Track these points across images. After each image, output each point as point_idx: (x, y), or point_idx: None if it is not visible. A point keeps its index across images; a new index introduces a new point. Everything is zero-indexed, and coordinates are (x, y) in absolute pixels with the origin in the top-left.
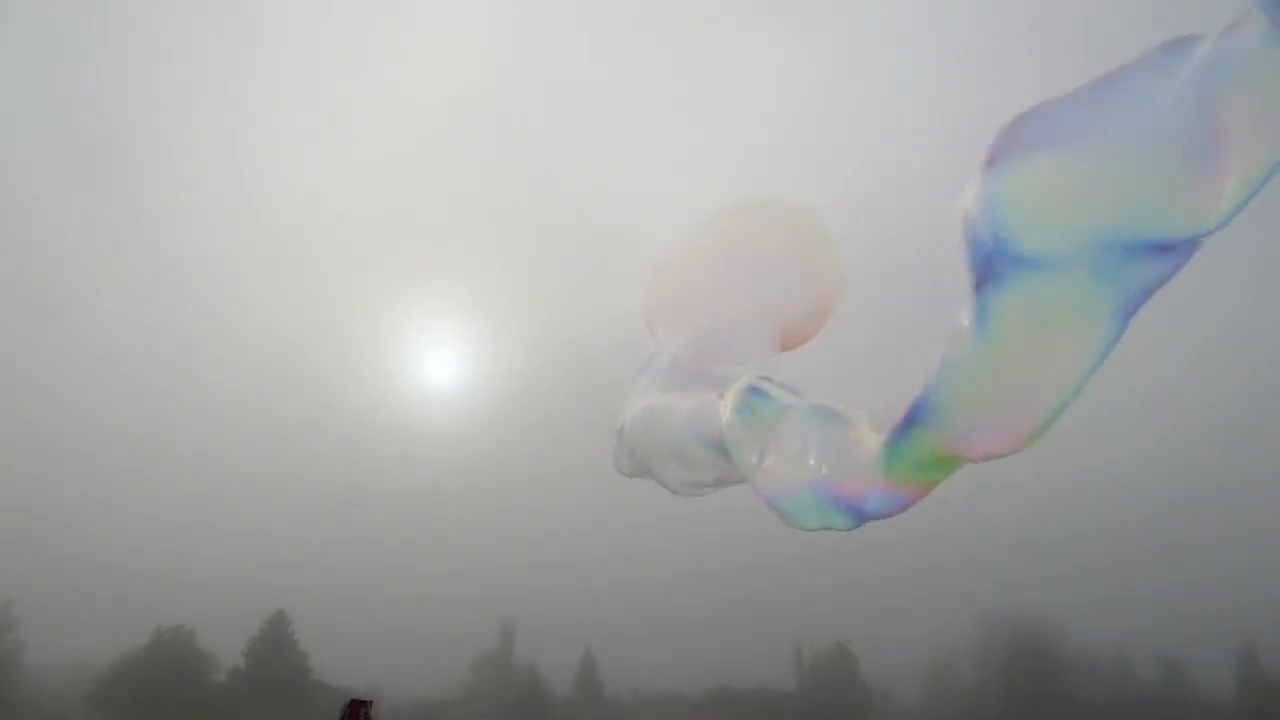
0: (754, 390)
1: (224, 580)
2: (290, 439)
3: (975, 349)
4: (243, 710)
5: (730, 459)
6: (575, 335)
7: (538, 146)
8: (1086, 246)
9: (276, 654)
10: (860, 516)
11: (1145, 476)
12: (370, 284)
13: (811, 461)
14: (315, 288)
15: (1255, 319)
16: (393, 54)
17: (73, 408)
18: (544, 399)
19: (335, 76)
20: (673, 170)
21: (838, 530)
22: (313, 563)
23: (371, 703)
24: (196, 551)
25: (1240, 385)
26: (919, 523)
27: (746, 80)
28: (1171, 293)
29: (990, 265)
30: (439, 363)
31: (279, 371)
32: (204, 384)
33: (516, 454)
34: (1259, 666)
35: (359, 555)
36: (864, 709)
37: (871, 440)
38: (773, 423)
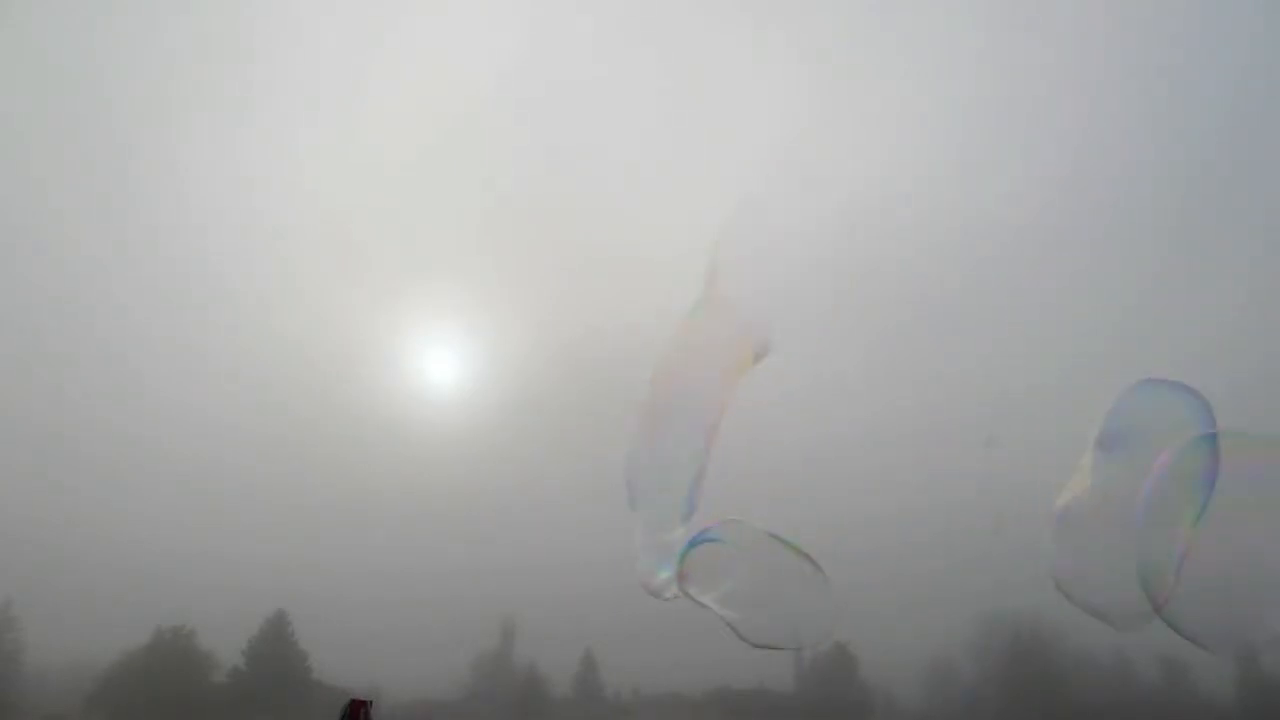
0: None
1: (224, 580)
2: (291, 440)
3: None
4: (243, 710)
5: None
6: (576, 336)
7: (539, 151)
8: None
9: (276, 654)
10: None
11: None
12: (371, 286)
13: None
14: (316, 289)
15: (1253, 317)
16: (396, 58)
17: (73, 408)
18: (544, 399)
19: (338, 82)
20: (673, 175)
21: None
22: (313, 563)
23: (371, 703)
24: (196, 551)
25: (1239, 383)
26: (919, 524)
27: (746, 87)
28: (1169, 293)
29: None
30: (440, 364)
31: (280, 372)
32: (204, 384)
33: (516, 454)
34: (1259, 666)
35: (359, 555)
36: (864, 709)
37: None
38: None
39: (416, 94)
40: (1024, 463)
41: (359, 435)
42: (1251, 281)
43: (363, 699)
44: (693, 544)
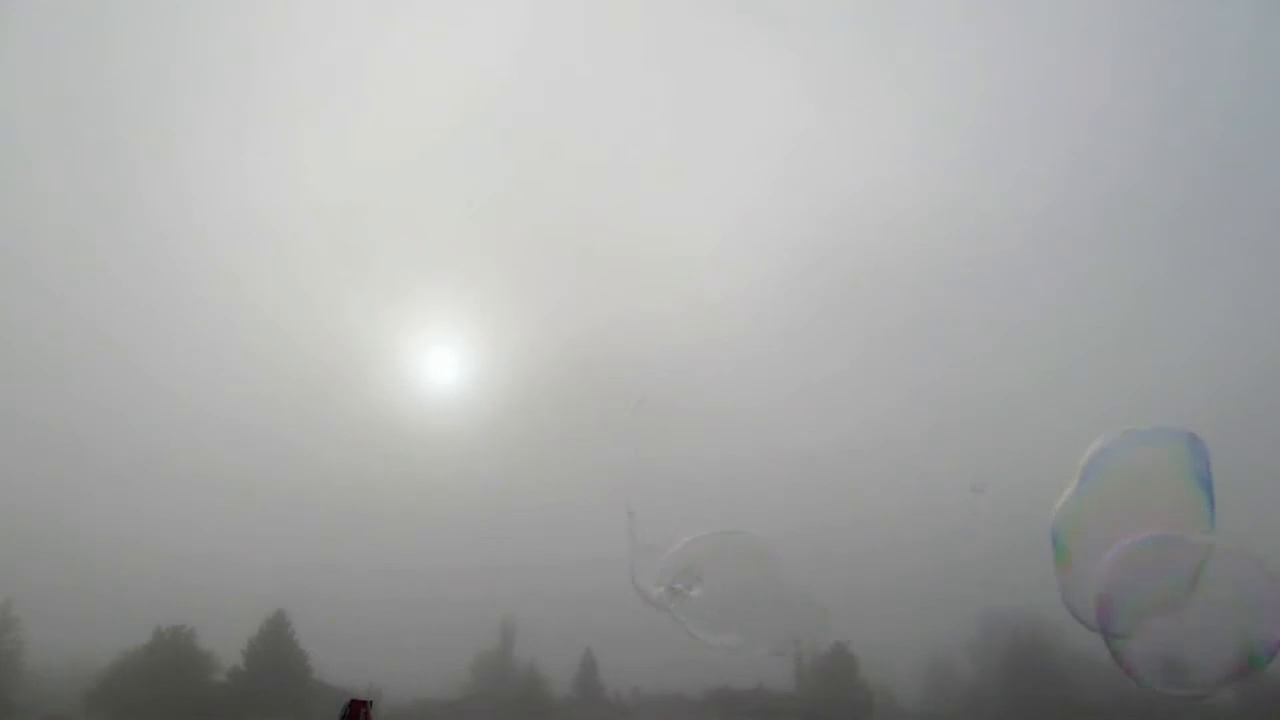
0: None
1: (224, 580)
2: (290, 439)
3: None
4: (243, 710)
5: None
6: (576, 336)
7: (541, 152)
8: None
9: (276, 654)
10: None
11: None
12: (372, 285)
13: None
14: (317, 289)
15: (1251, 318)
16: (398, 59)
17: (73, 408)
18: (544, 399)
19: (340, 80)
20: (674, 175)
21: None
22: (313, 563)
23: (371, 703)
24: (196, 551)
25: (1238, 383)
26: (919, 524)
27: (746, 87)
28: (1166, 295)
29: None
30: (440, 363)
31: (280, 371)
32: (205, 384)
33: (516, 454)
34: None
35: (359, 555)
36: (864, 709)
37: None
38: None
39: (421, 98)
40: (1024, 462)
41: (359, 435)
42: (1252, 282)
43: (363, 699)
44: (679, 555)
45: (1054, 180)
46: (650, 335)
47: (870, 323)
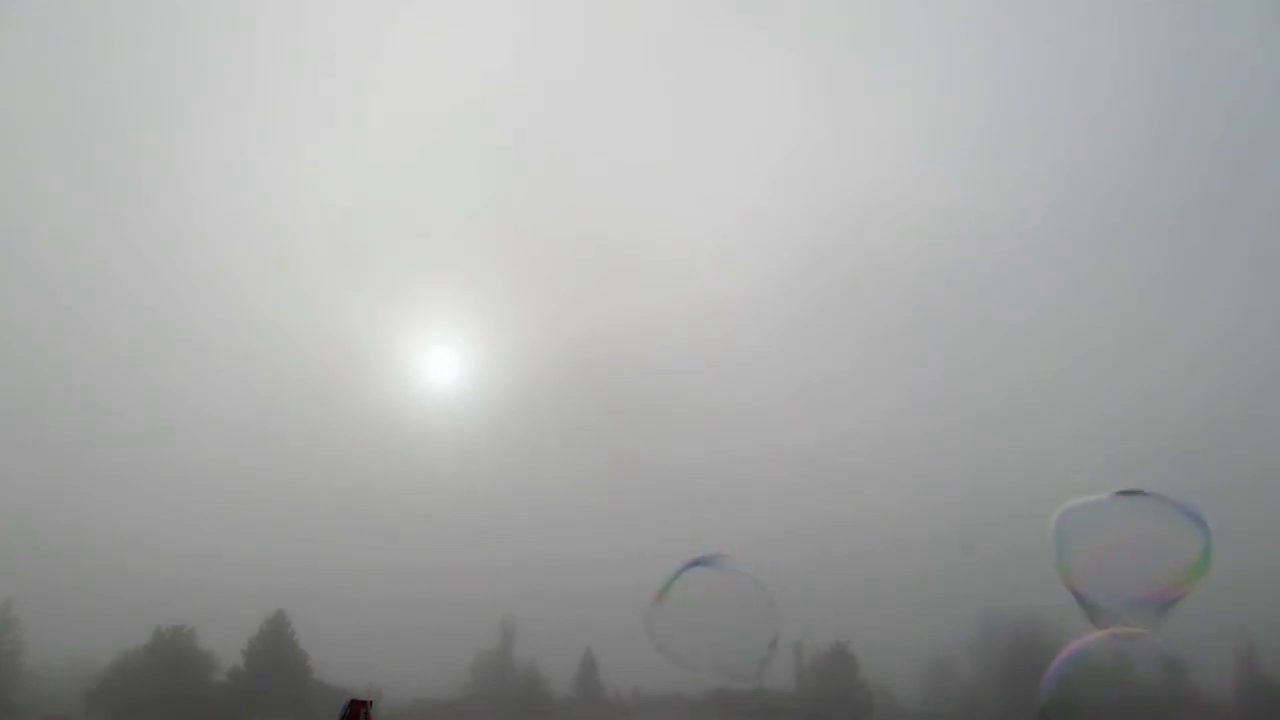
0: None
1: (224, 580)
2: (291, 440)
3: None
4: (243, 710)
5: None
6: (576, 336)
7: (541, 153)
8: None
9: (276, 654)
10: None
11: (1143, 476)
12: (372, 286)
13: None
14: (318, 290)
15: (1252, 318)
16: (398, 60)
17: (73, 408)
18: (544, 399)
19: (340, 81)
20: (674, 178)
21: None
22: (313, 563)
23: (371, 703)
24: (196, 551)
25: (1239, 384)
26: (919, 524)
27: (747, 88)
28: (1166, 295)
29: None
30: (440, 365)
31: (281, 372)
32: (206, 384)
33: (517, 455)
34: (1259, 666)
35: (359, 555)
36: (864, 709)
37: None
38: None
39: (422, 100)
40: (1023, 463)
41: (360, 435)
42: (1252, 282)
43: (363, 699)
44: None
45: (1054, 180)
46: (650, 335)
47: (870, 323)
